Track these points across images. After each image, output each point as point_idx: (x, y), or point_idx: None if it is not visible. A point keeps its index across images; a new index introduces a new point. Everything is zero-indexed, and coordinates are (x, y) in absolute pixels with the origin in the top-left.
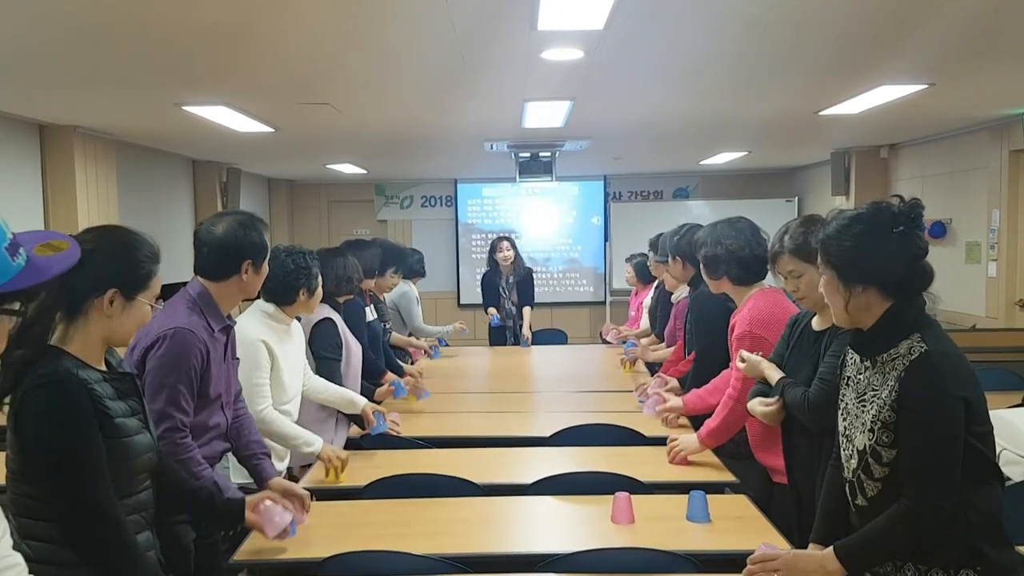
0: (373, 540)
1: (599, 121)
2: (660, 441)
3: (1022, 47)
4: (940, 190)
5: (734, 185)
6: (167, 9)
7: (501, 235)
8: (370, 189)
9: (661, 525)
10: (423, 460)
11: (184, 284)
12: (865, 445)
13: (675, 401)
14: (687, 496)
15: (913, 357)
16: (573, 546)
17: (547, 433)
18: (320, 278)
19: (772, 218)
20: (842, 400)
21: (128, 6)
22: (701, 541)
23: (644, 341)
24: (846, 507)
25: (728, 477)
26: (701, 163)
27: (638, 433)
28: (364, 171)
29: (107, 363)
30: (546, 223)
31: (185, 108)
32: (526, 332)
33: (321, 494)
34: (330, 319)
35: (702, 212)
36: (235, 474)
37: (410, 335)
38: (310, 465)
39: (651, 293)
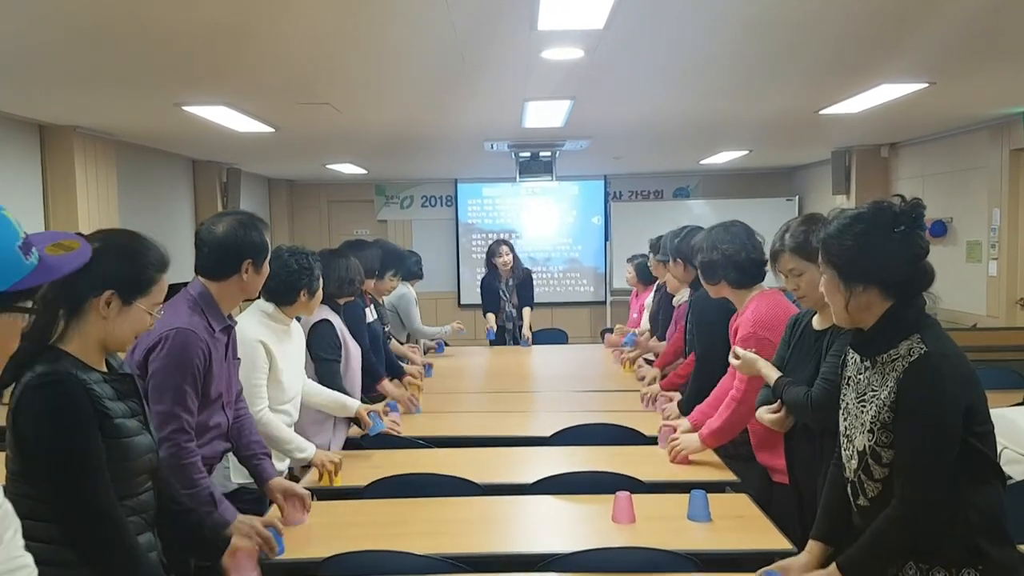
0: (373, 540)
1: (599, 121)
2: None
3: (1022, 47)
4: (940, 189)
5: (734, 184)
6: (167, 9)
7: (499, 239)
8: (370, 189)
9: (662, 524)
10: (423, 460)
11: (185, 284)
12: (865, 446)
13: (689, 440)
14: (688, 495)
15: (913, 358)
16: (574, 546)
17: (547, 433)
18: (321, 279)
19: (773, 217)
20: (843, 400)
21: (128, 6)
22: (702, 540)
23: (642, 339)
24: (847, 506)
25: (729, 476)
26: (701, 162)
27: (639, 433)
28: (364, 171)
29: (107, 364)
30: (546, 223)
31: (185, 108)
32: (526, 332)
33: (321, 494)
34: (328, 320)
35: (703, 212)
36: (235, 474)
37: (409, 336)
38: (311, 465)
39: (652, 295)
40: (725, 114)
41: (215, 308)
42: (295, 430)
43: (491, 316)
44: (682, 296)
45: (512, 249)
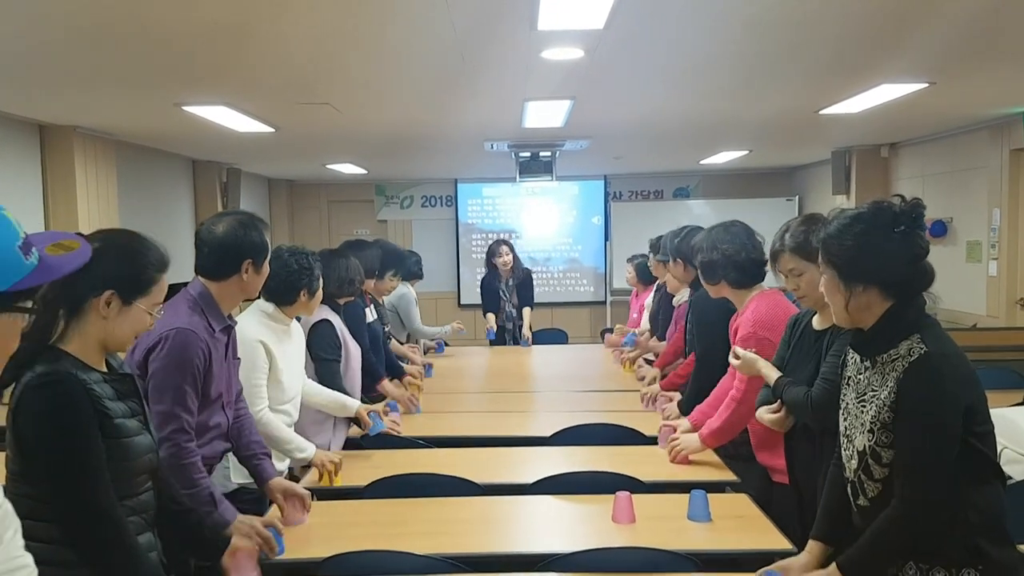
0: (373, 540)
1: (599, 121)
2: None
3: (1022, 47)
4: (940, 189)
5: (735, 184)
6: (167, 9)
7: (499, 239)
8: (370, 189)
9: (662, 524)
10: (423, 460)
11: (185, 284)
12: (865, 446)
13: (689, 440)
14: (688, 495)
15: (912, 358)
16: (574, 546)
17: (547, 433)
18: (321, 279)
19: (773, 217)
20: (843, 400)
21: (128, 6)
22: (702, 540)
23: (642, 339)
24: (847, 506)
25: (729, 476)
26: (701, 162)
27: (639, 433)
28: (364, 171)
29: (107, 364)
30: (546, 223)
31: (185, 108)
32: (526, 332)
33: (321, 494)
34: (327, 320)
35: (703, 211)
36: (235, 474)
37: (409, 336)
38: (311, 465)
39: (652, 295)
40: (725, 114)
41: (215, 308)
42: (295, 430)
43: (491, 316)
44: (682, 296)
45: (512, 249)
